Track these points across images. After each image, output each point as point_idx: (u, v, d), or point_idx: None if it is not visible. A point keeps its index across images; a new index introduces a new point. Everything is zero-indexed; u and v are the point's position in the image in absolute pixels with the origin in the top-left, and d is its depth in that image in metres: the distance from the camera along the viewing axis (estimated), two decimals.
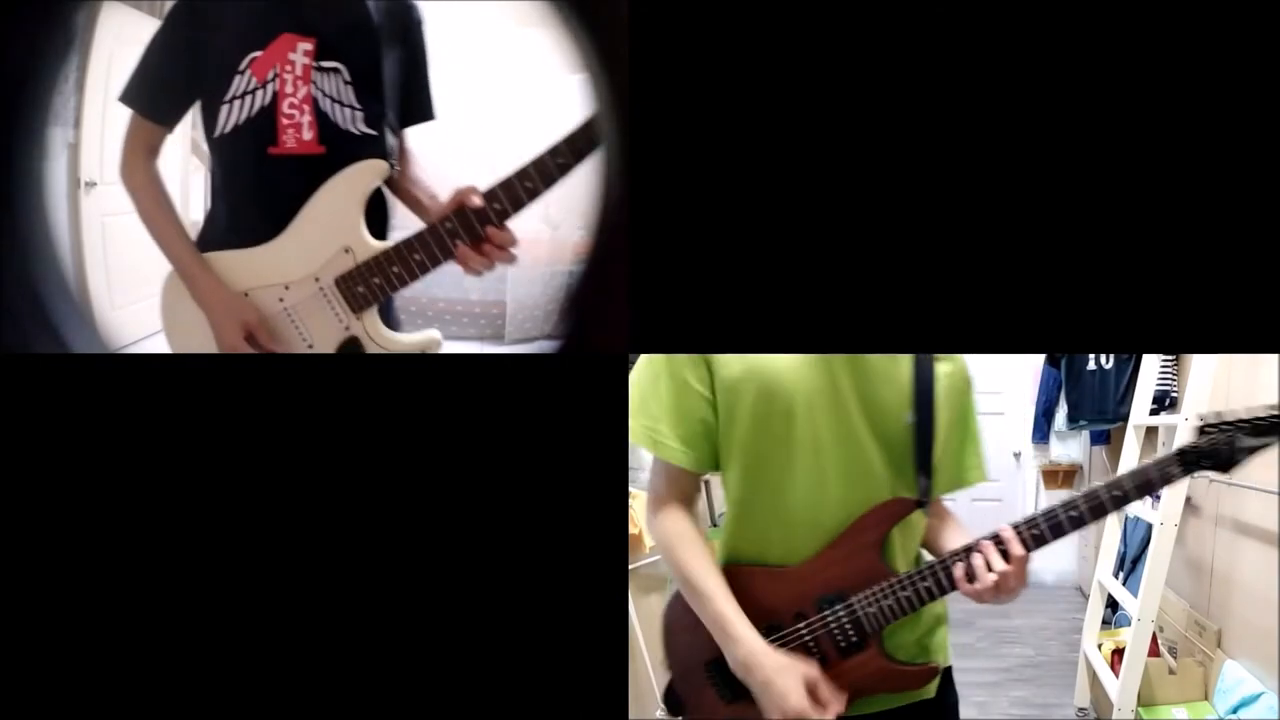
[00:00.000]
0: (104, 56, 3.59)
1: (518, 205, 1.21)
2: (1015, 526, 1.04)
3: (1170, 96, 0.93)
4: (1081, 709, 3.01)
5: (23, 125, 0.94)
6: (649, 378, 1.07)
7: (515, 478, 0.93)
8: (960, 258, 0.95)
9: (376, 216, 1.33)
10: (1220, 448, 0.98)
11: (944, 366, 1.08)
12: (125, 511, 0.91)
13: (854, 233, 0.95)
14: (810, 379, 1.04)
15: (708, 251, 0.95)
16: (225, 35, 1.25)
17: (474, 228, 1.22)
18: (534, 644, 0.93)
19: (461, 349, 4.47)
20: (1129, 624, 2.53)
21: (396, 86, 1.35)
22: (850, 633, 1.06)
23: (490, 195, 1.21)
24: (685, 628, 1.11)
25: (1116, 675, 2.55)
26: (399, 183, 1.41)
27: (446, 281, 4.60)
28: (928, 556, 1.12)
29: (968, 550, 1.04)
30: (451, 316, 4.64)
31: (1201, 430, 1.00)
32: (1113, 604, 3.02)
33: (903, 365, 1.05)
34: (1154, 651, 2.57)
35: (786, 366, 1.03)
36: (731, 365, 1.04)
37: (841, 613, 1.06)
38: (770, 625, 1.07)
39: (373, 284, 1.26)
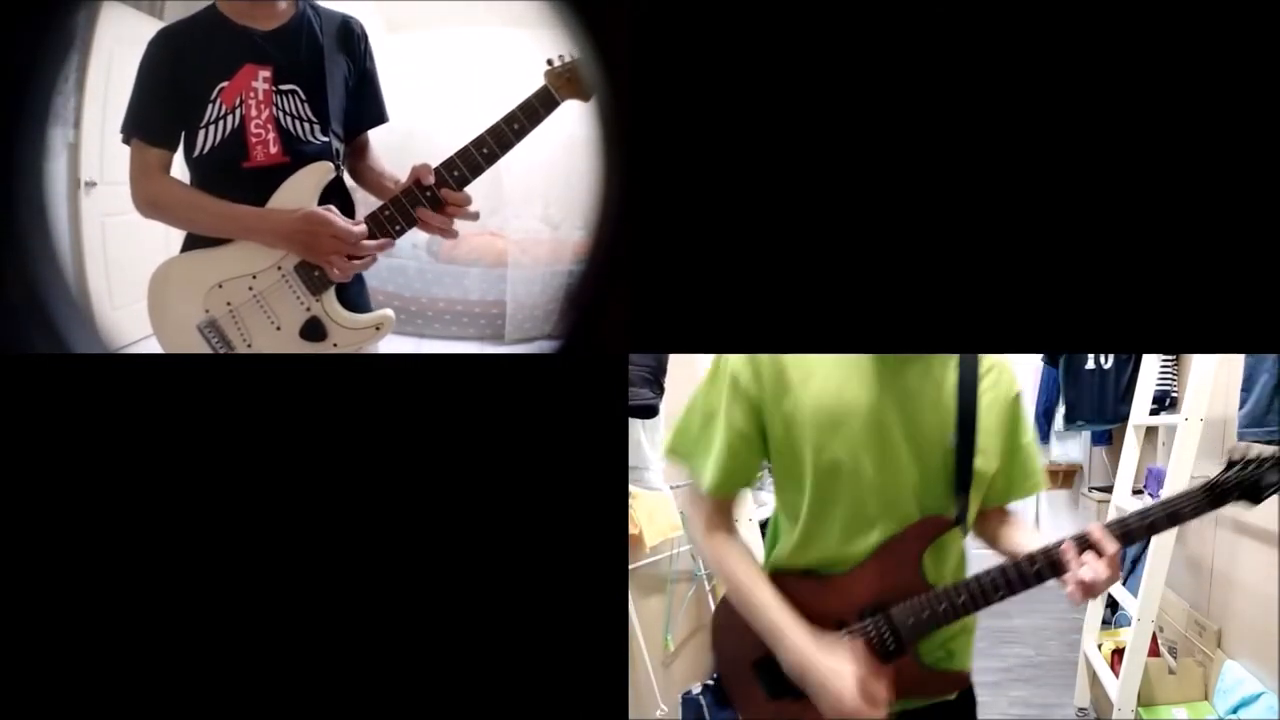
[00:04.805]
0: (104, 56, 3.58)
1: (459, 187, 1.41)
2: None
3: (1170, 96, 0.93)
4: (1081, 709, 3.01)
5: (23, 125, 0.94)
6: (700, 421, 1.18)
7: (515, 478, 0.93)
8: (960, 257, 0.95)
9: (344, 210, 1.50)
10: (1248, 482, 1.03)
11: (988, 387, 1.13)
12: (125, 511, 0.91)
13: (854, 232, 0.95)
14: (860, 410, 1.10)
15: (708, 251, 0.94)
16: (196, 69, 1.44)
17: (408, 212, 1.41)
18: (534, 644, 0.93)
19: (461, 349, 4.47)
20: (1129, 624, 2.53)
21: (347, 96, 1.53)
22: (889, 642, 1.11)
23: (408, 192, 1.41)
24: (733, 629, 1.18)
25: (1116, 675, 2.55)
26: (366, 175, 1.62)
27: (446, 281, 4.59)
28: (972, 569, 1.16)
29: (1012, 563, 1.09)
30: (451, 316, 4.63)
31: (1229, 464, 1.04)
32: (1113, 604, 3.02)
33: (948, 390, 1.11)
34: (1154, 651, 2.57)
35: (839, 400, 1.10)
36: (789, 402, 1.12)
37: (881, 622, 1.11)
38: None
39: None
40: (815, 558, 1.15)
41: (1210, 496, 1.04)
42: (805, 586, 1.15)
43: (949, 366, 1.12)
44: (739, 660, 1.18)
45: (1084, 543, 1.05)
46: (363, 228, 1.42)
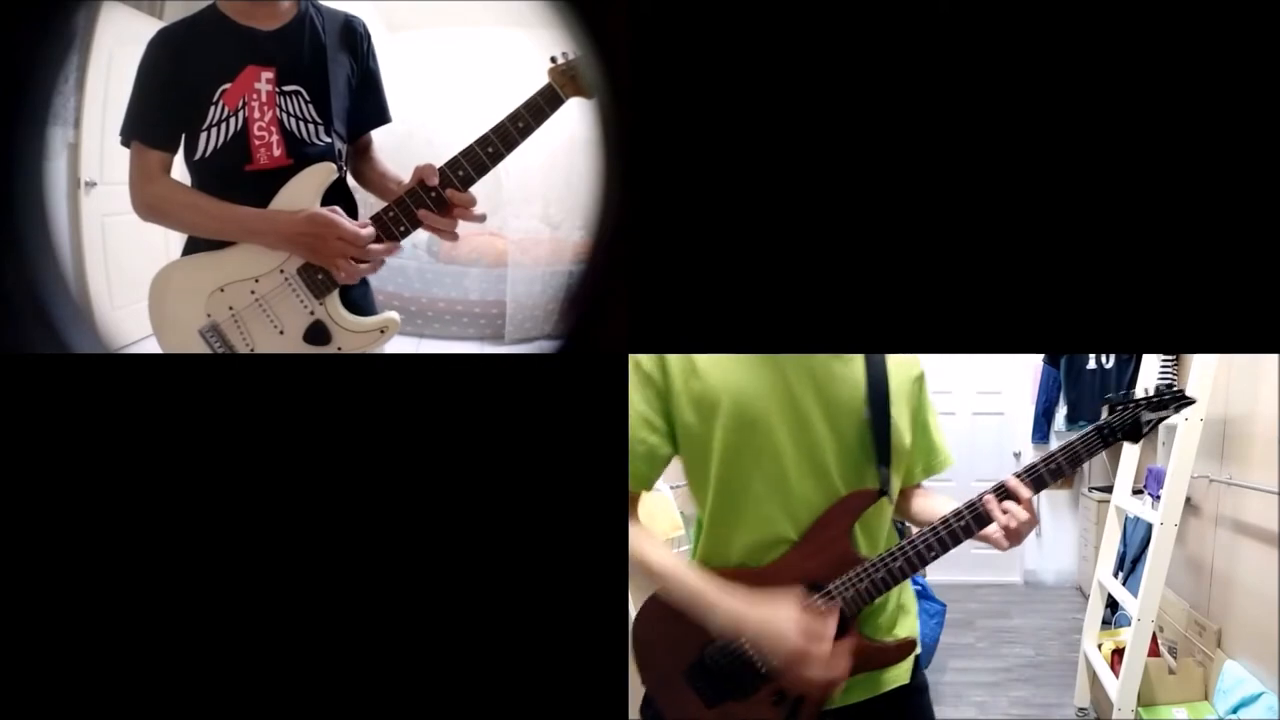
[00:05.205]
0: (104, 56, 3.58)
1: (464, 187, 1.40)
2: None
3: (1170, 96, 0.93)
4: (1081, 709, 3.01)
5: (23, 125, 0.94)
6: None
7: (515, 478, 0.93)
8: (960, 257, 0.95)
9: (347, 212, 1.48)
10: (1128, 422, 1.16)
11: (893, 366, 1.15)
12: (125, 511, 0.91)
13: (854, 233, 0.95)
14: (770, 387, 1.10)
15: (708, 251, 0.95)
16: (198, 71, 1.42)
17: (412, 214, 1.39)
18: (534, 644, 0.93)
19: (461, 349, 4.47)
20: (1129, 624, 2.53)
21: (350, 96, 1.52)
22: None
23: (413, 193, 1.38)
24: (659, 638, 1.15)
25: (1116, 675, 2.55)
26: (369, 176, 1.60)
27: (446, 281, 4.59)
28: (912, 529, 1.19)
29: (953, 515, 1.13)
30: (451, 316, 4.63)
31: (1112, 408, 1.18)
32: (1113, 604, 3.02)
33: (856, 365, 1.13)
34: (1154, 651, 2.57)
35: (748, 378, 1.10)
36: (697, 382, 1.10)
37: (820, 602, 1.10)
38: None
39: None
40: (744, 545, 1.12)
41: (1101, 437, 1.15)
42: (740, 579, 1.11)
43: None
44: (669, 671, 1.14)
45: (1003, 493, 1.12)
46: (370, 230, 1.40)
